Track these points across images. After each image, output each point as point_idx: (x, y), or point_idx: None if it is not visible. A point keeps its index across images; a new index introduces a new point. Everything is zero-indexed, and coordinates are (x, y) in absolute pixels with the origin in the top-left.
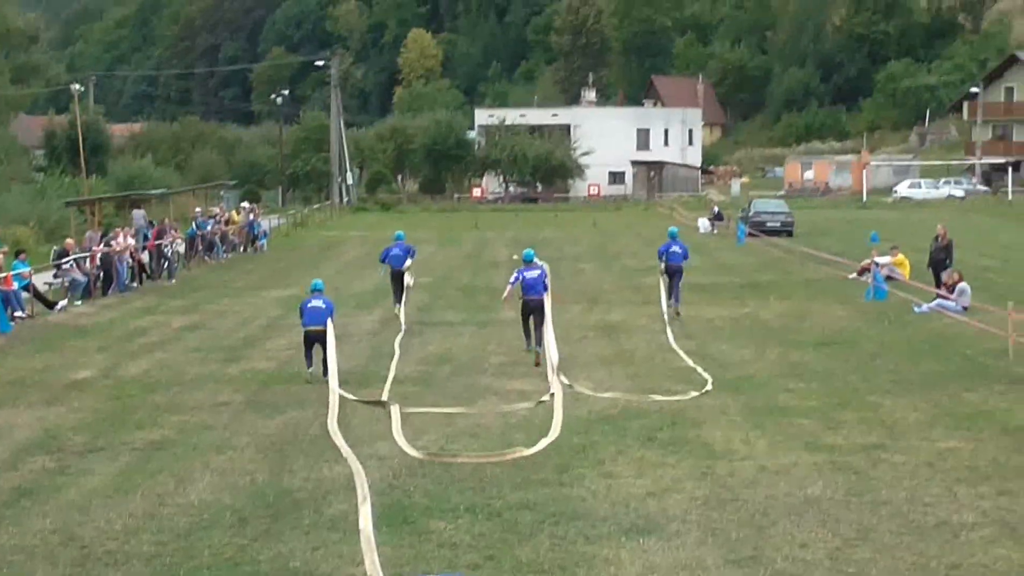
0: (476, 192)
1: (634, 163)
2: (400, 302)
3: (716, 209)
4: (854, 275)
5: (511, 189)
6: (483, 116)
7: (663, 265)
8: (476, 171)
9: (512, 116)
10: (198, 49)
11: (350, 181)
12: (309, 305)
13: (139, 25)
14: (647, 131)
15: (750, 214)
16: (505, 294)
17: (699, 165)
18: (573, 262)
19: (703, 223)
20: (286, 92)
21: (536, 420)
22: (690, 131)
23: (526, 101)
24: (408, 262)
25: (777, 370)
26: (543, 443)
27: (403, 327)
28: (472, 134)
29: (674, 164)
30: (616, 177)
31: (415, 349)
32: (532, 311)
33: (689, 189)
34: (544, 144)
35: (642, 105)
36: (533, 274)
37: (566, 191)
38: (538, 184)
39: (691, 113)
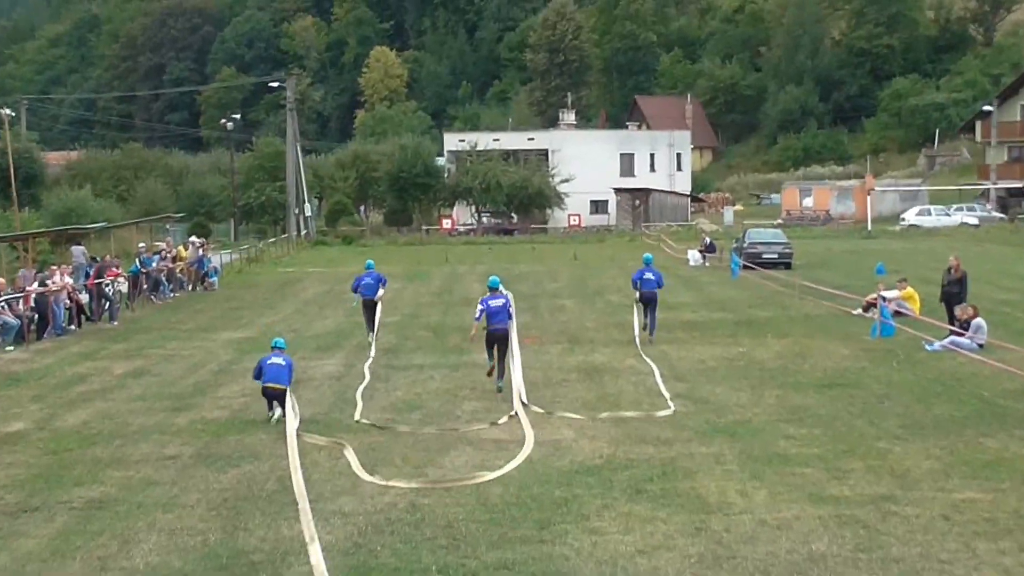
0: (446, 223)
1: (618, 191)
2: (373, 331)
3: (708, 240)
4: (859, 310)
5: (484, 220)
6: (453, 141)
7: (637, 293)
8: (446, 201)
9: (484, 140)
10: (141, 70)
11: (308, 212)
12: (268, 362)
13: (75, 44)
14: (631, 156)
15: (745, 245)
16: (472, 332)
17: (688, 192)
18: (552, 299)
19: (693, 255)
20: (237, 116)
21: (515, 473)
22: (678, 155)
23: (500, 124)
24: (380, 291)
25: (776, 414)
26: (514, 463)
27: (372, 354)
28: (441, 160)
29: (661, 191)
30: (598, 206)
31: (380, 395)
32: (496, 341)
33: (678, 218)
34: (520, 171)
35: (626, 127)
36: (497, 303)
37: (544, 222)
38: (513, 214)
39: (679, 136)
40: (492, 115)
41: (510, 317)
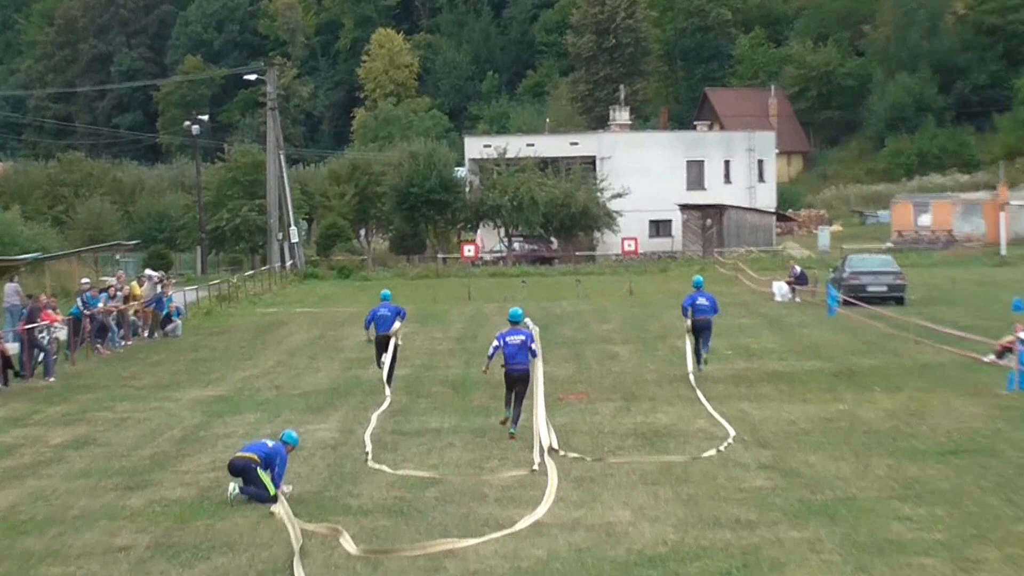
0: (468, 251)
1: (684, 207)
2: (387, 371)
3: (797, 269)
4: (991, 357)
5: (516, 246)
6: (476, 147)
7: (688, 322)
8: (468, 222)
9: (516, 146)
10: (82, 60)
11: (295, 238)
12: (238, 455)
13: None
14: (700, 163)
15: (845, 275)
16: (484, 368)
17: (773, 209)
18: (602, 344)
19: (780, 288)
20: (205, 117)
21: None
22: (760, 162)
23: (534, 126)
24: (397, 324)
25: (887, 489)
26: (531, 518)
27: (388, 398)
28: (461, 172)
29: (739, 208)
30: (660, 227)
31: (387, 467)
32: (515, 383)
33: (760, 242)
34: (560, 184)
35: (693, 128)
36: (516, 339)
37: (591, 248)
38: (553, 239)
39: (761, 138)
40: (525, 114)
41: (533, 355)
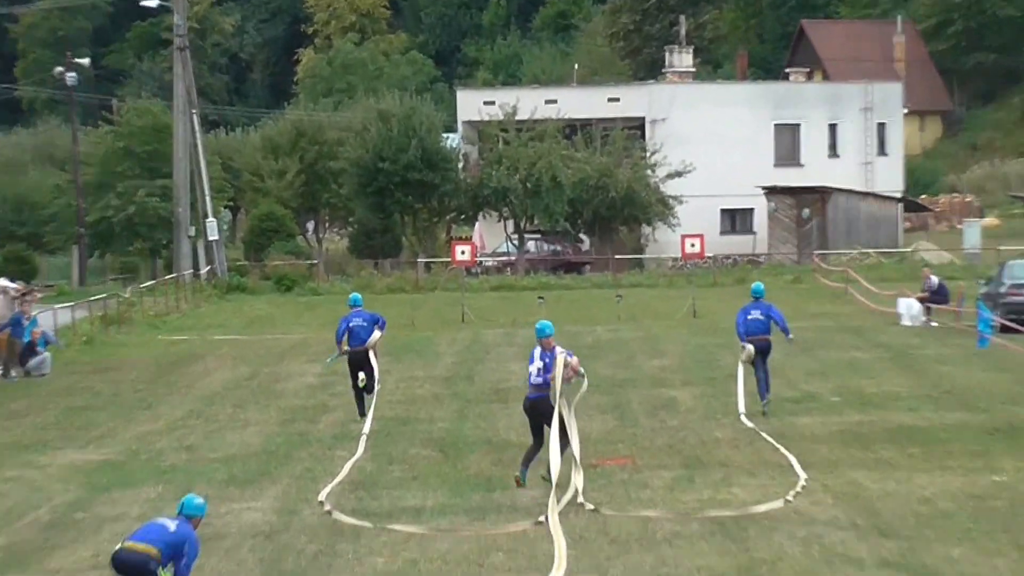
0: (462, 253)
1: (771, 192)
2: (365, 397)
3: (934, 280)
4: None
5: (531, 247)
6: (473, 104)
7: (746, 348)
8: (462, 213)
9: (530, 103)
10: None
11: (214, 235)
12: (128, 547)
13: None
14: (795, 129)
15: (1003, 289)
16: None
17: (900, 194)
18: (654, 388)
19: (909, 307)
20: (85, 61)
21: None
22: (881, 127)
23: (557, 75)
24: (376, 335)
25: None
26: None
27: (365, 432)
28: (452, 140)
29: (850, 192)
30: (736, 220)
31: (343, 569)
32: (539, 416)
33: (881, 240)
34: (594, 158)
35: (786, 78)
36: (535, 367)
37: (638, 248)
38: (583, 236)
39: (882, 92)
40: (543, 58)
41: (571, 377)
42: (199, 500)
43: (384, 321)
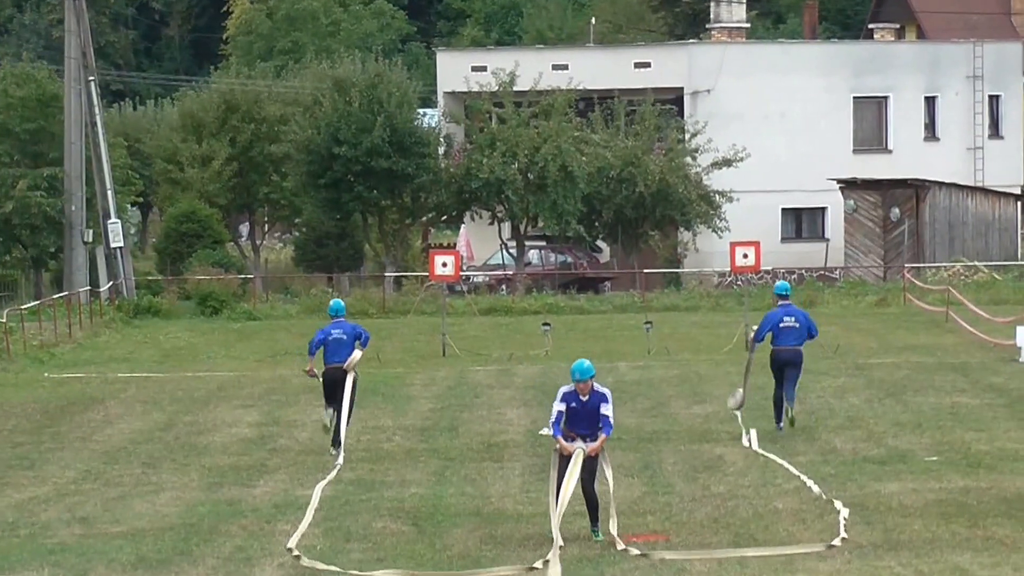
0: (443, 265)
1: (848, 186)
2: (338, 418)
3: None
4: None
5: (533, 257)
6: (458, 70)
7: (765, 356)
8: (443, 212)
9: (533, 69)
10: None
11: (118, 240)
12: None
13: None
14: (881, 103)
15: None
16: (556, 444)
17: (1019, 189)
18: (694, 443)
19: None
20: None
21: None
22: (994, 101)
23: (568, 31)
24: (357, 354)
25: None
26: None
27: (339, 462)
28: (431, 117)
29: (954, 187)
30: (803, 223)
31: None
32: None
33: (994, 251)
34: (618, 142)
35: (869, 36)
36: (582, 400)
37: (674, 259)
38: (601, 243)
39: (996, 54)
40: (549, 10)
41: (608, 428)
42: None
43: (368, 336)
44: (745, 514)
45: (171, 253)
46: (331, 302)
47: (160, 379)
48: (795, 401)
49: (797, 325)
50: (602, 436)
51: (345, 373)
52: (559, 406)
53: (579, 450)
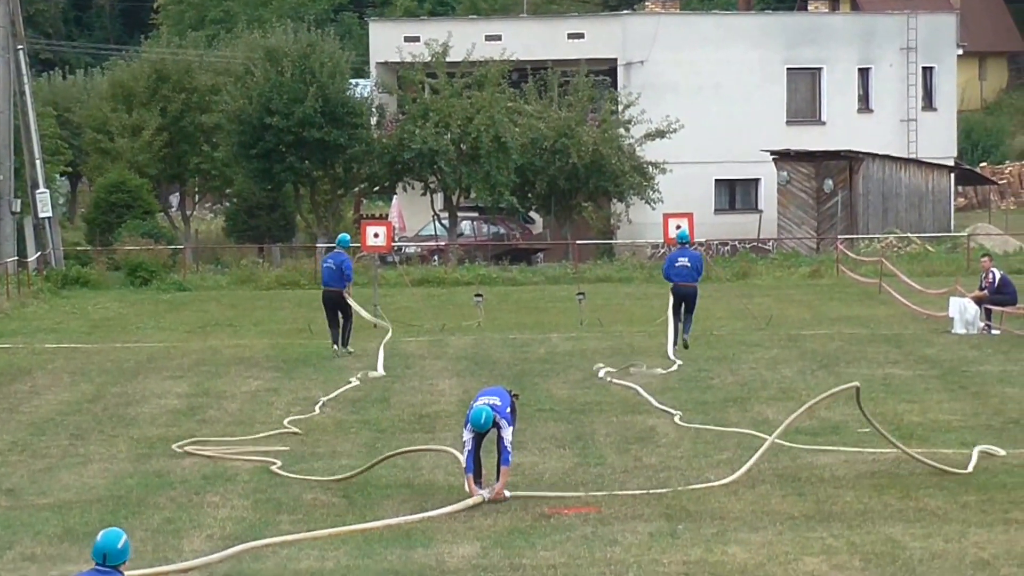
0: (375, 236)
1: (781, 157)
2: (339, 340)
3: (997, 274)
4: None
5: (465, 227)
6: (390, 40)
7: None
8: (376, 183)
9: (465, 38)
10: None
11: (45, 211)
12: None
13: None
14: (814, 75)
15: None
16: (469, 489)
17: (952, 161)
18: (626, 414)
19: (963, 310)
20: None
21: None
22: (928, 73)
23: (501, 3)
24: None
25: None
26: None
27: (348, 349)
28: (364, 88)
29: (887, 159)
30: (735, 193)
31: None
32: None
33: (927, 223)
34: (550, 113)
35: (803, 8)
36: (486, 405)
37: (607, 231)
38: (534, 214)
39: (930, 26)
40: None
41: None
42: (120, 539)
43: (349, 269)
44: (678, 482)
45: (100, 223)
46: (340, 236)
47: (88, 350)
48: (690, 331)
49: (689, 264)
50: (504, 470)
51: (340, 294)
52: (467, 435)
53: (480, 497)
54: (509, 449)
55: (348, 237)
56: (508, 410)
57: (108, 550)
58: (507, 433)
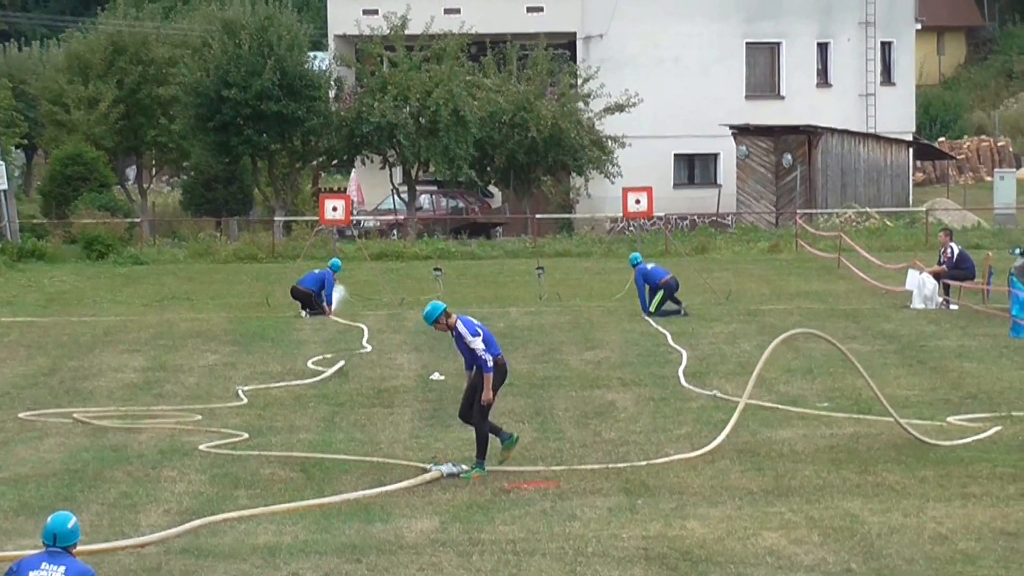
0: (333, 209)
1: (740, 132)
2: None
3: (955, 248)
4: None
5: (424, 201)
6: (348, 13)
7: (656, 297)
8: (334, 157)
9: (424, 12)
10: None
11: (0, 184)
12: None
13: None
14: (773, 49)
15: None
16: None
17: (910, 135)
18: (585, 389)
19: (922, 284)
20: None
21: None
22: (886, 48)
23: None
24: (337, 295)
25: None
26: None
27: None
28: (322, 60)
29: (845, 133)
30: (694, 168)
31: None
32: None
33: (885, 197)
34: (509, 87)
35: None
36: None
37: (566, 205)
38: (493, 189)
39: (888, 1)
40: None
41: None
42: (70, 520)
43: (329, 294)
44: (636, 457)
45: (56, 196)
46: (332, 261)
47: (44, 323)
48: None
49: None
50: (486, 376)
51: (304, 298)
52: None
53: (437, 472)
54: (483, 357)
55: (340, 263)
56: (476, 326)
57: (58, 532)
58: (476, 344)
